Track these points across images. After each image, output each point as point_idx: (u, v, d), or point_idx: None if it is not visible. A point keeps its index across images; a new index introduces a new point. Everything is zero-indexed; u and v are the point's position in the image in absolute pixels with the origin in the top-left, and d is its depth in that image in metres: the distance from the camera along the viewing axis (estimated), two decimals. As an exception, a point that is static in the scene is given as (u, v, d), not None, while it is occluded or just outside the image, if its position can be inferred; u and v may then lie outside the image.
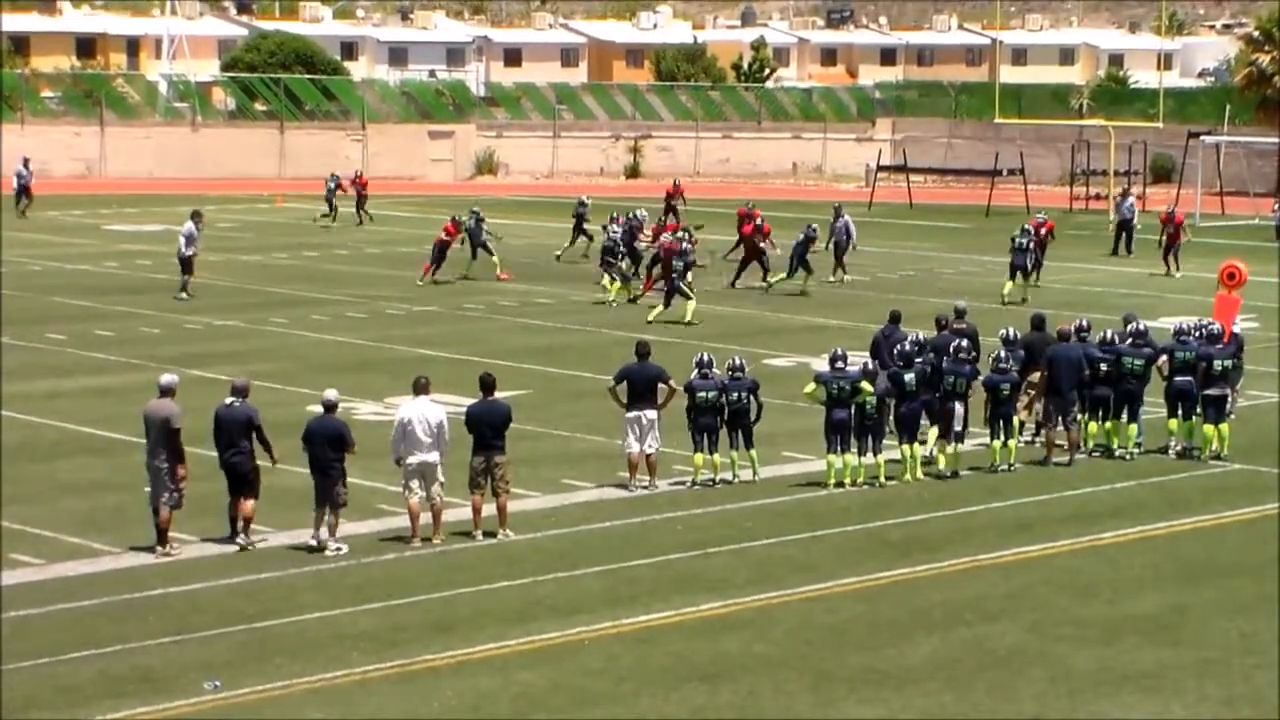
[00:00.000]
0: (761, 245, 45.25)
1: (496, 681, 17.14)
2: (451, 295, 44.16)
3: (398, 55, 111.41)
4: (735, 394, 24.82)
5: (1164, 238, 48.72)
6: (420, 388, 22.47)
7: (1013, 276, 43.53)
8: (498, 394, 22.98)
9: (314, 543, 21.77)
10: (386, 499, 23.32)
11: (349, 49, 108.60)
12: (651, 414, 24.62)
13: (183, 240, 43.10)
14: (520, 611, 19.26)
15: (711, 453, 24.87)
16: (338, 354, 35.51)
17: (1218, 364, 26.60)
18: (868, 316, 40.22)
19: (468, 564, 21.16)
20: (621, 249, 43.71)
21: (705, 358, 25.10)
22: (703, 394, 24.71)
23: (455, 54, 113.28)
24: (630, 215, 45.56)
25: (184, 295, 42.44)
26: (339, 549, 21.63)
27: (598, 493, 24.65)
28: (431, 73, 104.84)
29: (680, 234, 42.41)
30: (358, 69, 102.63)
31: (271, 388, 30.00)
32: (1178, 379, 26.92)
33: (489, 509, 22.27)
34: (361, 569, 20.96)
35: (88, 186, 75.24)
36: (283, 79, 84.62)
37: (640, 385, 24.75)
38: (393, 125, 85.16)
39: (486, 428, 22.30)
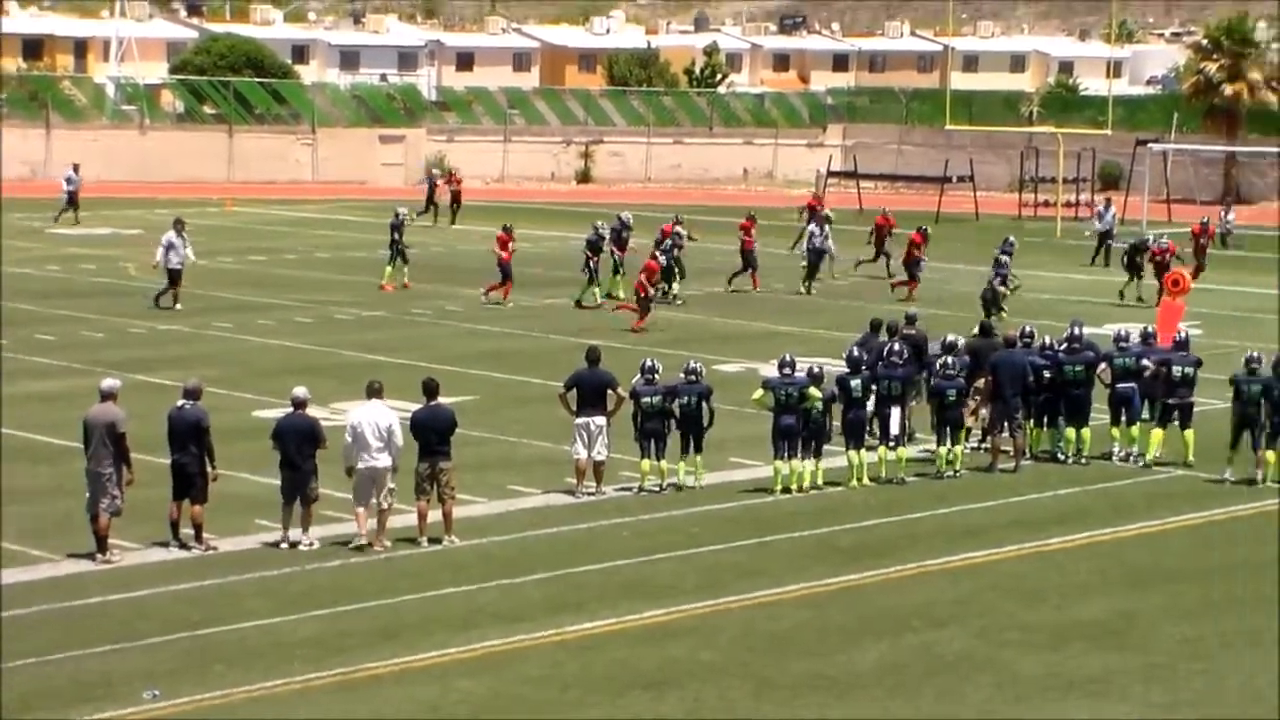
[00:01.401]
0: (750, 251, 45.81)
1: (438, 690, 17.03)
2: (400, 300, 44.00)
3: (349, 59, 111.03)
4: (686, 398, 24.76)
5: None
6: (373, 391, 22.42)
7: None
8: (443, 399, 22.89)
9: (284, 541, 21.73)
10: (333, 505, 23.16)
11: (300, 52, 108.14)
12: (600, 420, 24.53)
13: (161, 249, 42.34)
14: (464, 619, 19.17)
15: (659, 458, 24.80)
16: (284, 359, 35.33)
17: (1177, 370, 26.63)
18: (817, 323, 40.27)
19: (413, 570, 21.05)
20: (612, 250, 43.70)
21: (649, 363, 25.02)
22: (647, 399, 24.64)
23: (407, 58, 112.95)
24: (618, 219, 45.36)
25: (174, 306, 41.55)
26: (311, 545, 21.70)
27: (544, 499, 24.56)
28: (383, 76, 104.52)
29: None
30: (308, 72, 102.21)
31: (217, 393, 29.76)
32: (1119, 385, 26.98)
33: (435, 515, 22.16)
34: (306, 575, 20.82)
35: (32, 189, 74.71)
36: (232, 82, 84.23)
37: (590, 392, 24.67)
38: (343, 129, 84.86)
39: (431, 433, 22.21)
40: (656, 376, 24.83)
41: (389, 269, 46.26)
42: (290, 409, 22.28)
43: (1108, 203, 56.74)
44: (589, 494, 24.55)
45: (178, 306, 41.57)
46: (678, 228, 45.31)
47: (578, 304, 42.79)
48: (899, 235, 47.87)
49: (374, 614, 19.33)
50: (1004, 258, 42.00)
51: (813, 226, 47.03)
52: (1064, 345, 27.18)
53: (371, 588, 20.25)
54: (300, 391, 22.39)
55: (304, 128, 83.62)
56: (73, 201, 61.95)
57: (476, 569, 21.06)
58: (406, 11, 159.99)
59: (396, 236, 46.36)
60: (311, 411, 22.67)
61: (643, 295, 39.63)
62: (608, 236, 43.92)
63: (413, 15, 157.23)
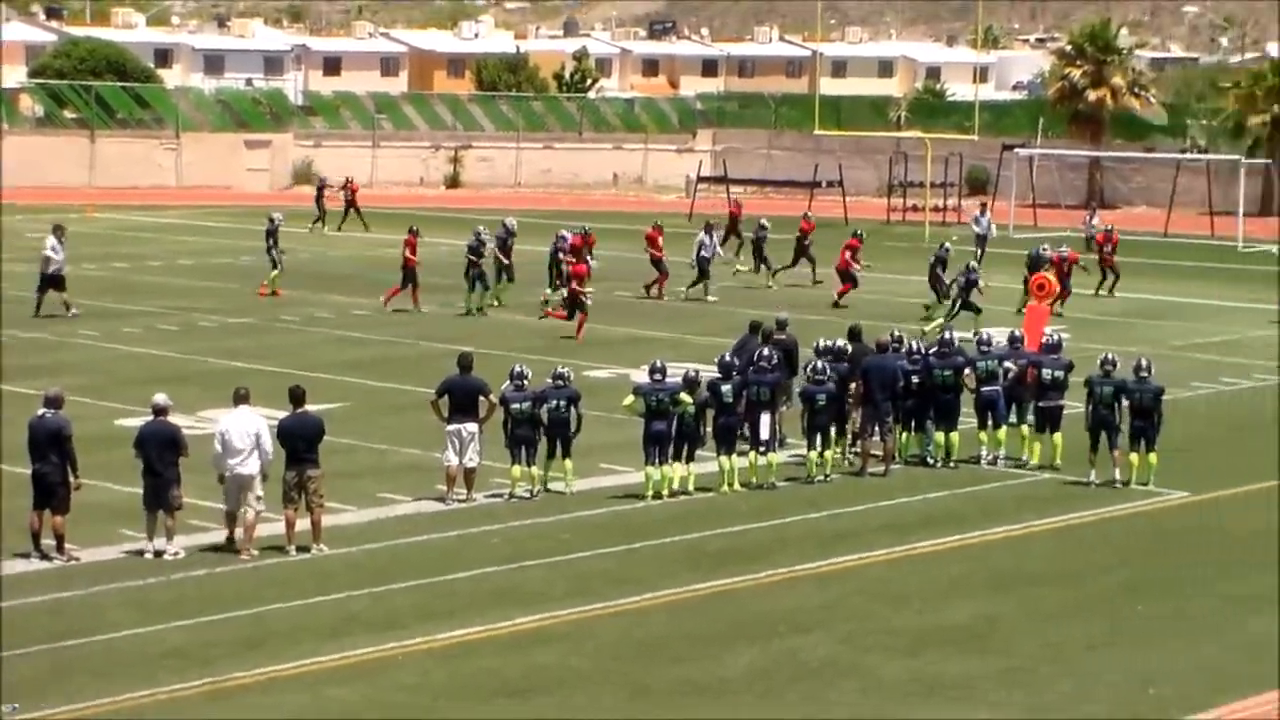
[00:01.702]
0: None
1: (308, 698, 16.94)
2: (268, 307, 43.68)
3: (213, 63, 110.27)
4: (554, 402, 24.75)
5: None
6: (240, 398, 22.37)
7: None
8: (311, 406, 22.76)
9: (149, 551, 21.53)
10: (199, 514, 22.96)
11: (163, 56, 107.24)
12: (472, 427, 24.47)
13: (47, 255, 41.74)
14: (334, 627, 19.06)
15: (529, 464, 24.78)
16: (149, 367, 34.96)
17: (1047, 373, 26.91)
18: (687, 328, 40.37)
19: (281, 579, 20.90)
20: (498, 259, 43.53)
21: (518, 369, 24.99)
22: (517, 405, 24.61)
23: (273, 62, 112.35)
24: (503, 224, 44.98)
25: (73, 311, 40.95)
26: (176, 554, 21.53)
27: (414, 506, 24.46)
28: (248, 81, 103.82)
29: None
30: (172, 77, 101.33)
31: (81, 402, 29.44)
32: (983, 389, 27.27)
33: (303, 523, 22.02)
34: (173, 585, 20.62)
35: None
36: (94, 86, 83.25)
37: (461, 398, 24.61)
38: (208, 134, 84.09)
39: (298, 441, 22.08)
40: (526, 383, 24.81)
41: (274, 274, 46.01)
42: (151, 416, 22.10)
43: (984, 207, 57.24)
44: (459, 501, 24.47)
45: (73, 312, 40.93)
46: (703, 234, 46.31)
47: (468, 311, 42.44)
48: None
49: (241, 623, 19.18)
50: (972, 263, 42.52)
51: (703, 236, 46.99)
52: (933, 350, 27.40)
53: (238, 597, 20.09)
54: (160, 399, 22.22)
55: (168, 133, 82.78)
56: None
57: (346, 577, 20.94)
58: (272, 16, 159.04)
59: (271, 242, 46.03)
60: (177, 420, 22.49)
61: (578, 300, 39.45)
62: (489, 243, 43.59)
63: (278, 20, 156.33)
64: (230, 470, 21.80)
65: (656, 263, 46.33)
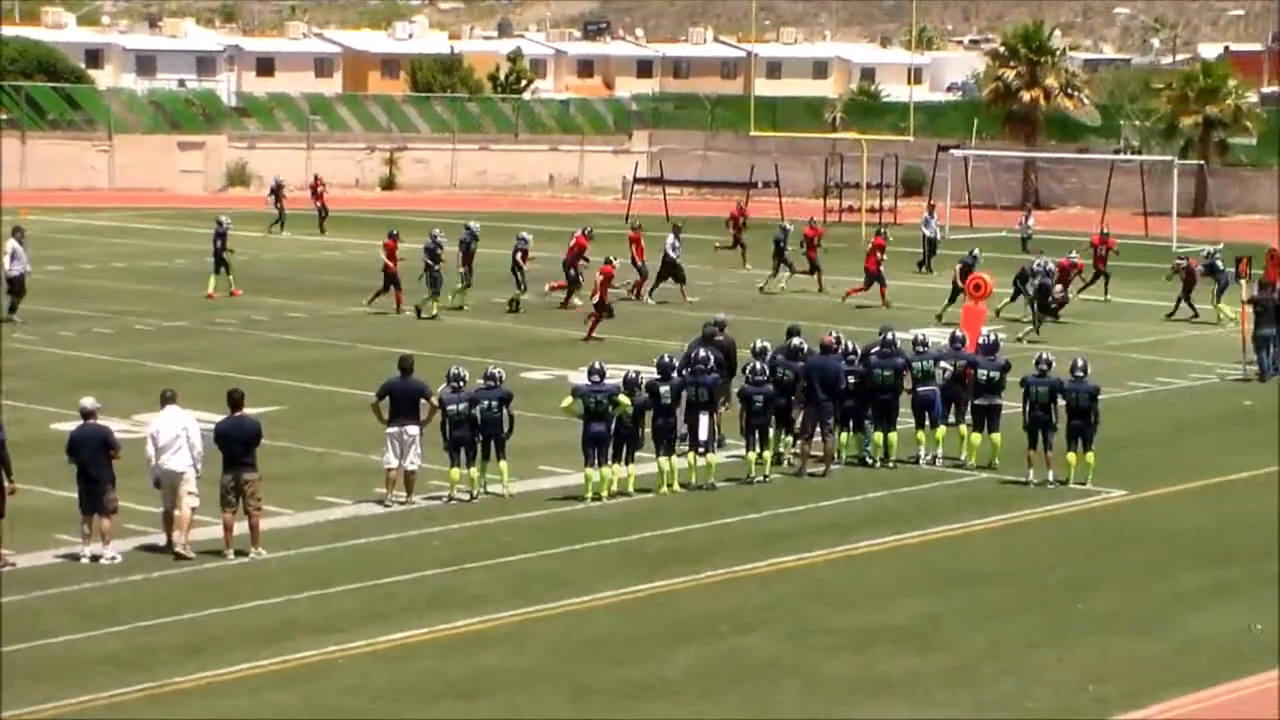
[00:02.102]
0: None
1: (248, 702, 16.85)
2: (204, 310, 43.44)
3: (145, 64, 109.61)
4: (486, 403, 24.68)
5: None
6: (166, 399, 22.36)
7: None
8: (249, 410, 22.62)
9: (85, 555, 21.37)
10: (135, 517, 22.81)
11: (94, 57, 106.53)
12: (413, 430, 24.38)
13: (7, 259, 41.33)
14: (273, 631, 18.95)
15: (468, 467, 24.71)
16: (85, 371, 34.71)
17: (983, 373, 26.98)
18: (624, 330, 40.32)
19: (219, 583, 20.77)
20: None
21: (455, 371, 24.92)
22: (454, 407, 24.54)
23: (205, 63, 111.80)
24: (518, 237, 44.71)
25: (16, 318, 40.55)
26: (114, 558, 21.41)
27: (353, 509, 24.35)
28: (181, 82, 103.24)
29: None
30: (104, 77, 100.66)
31: (15, 406, 29.28)
32: (920, 389, 27.34)
33: (241, 527, 21.88)
34: (110, 590, 20.48)
35: None
36: (24, 87, 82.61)
37: (402, 401, 24.52)
38: (141, 135, 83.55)
39: (235, 444, 21.96)
40: (463, 385, 24.74)
41: (214, 278, 45.67)
42: (81, 420, 21.94)
43: (932, 210, 57.35)
44: (399, 504, 24.38)
45: (15, 318, 40.55)
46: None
47: (426, 315, 42.13)
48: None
49: (180, 628, 19.06)
50: (1043, 263, 42.10)
51: (671, 238, 46.73)
52: (873, 351, 27.42)
53: (177, 602, 19.96)
54: (88, 401, 22.14)
55: (100, 134, 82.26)
56: None
57: (285, 581, 20.83)
58: (204, 16, 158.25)
59: (220, 244, 45.79)
60: (113, 424, 22.38)
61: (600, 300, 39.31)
62: (444, 245, 43.24)
63: (210, 20, 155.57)
64: (161, 467, 21.78)
65: (636, 265, 46.21)
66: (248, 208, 67.90)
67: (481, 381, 24.96)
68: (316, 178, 66.60)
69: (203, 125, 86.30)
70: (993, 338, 28.32)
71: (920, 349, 27.72)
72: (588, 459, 24.92)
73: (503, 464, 24.89)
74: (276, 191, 63.36)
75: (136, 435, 25.76)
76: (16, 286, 41.16)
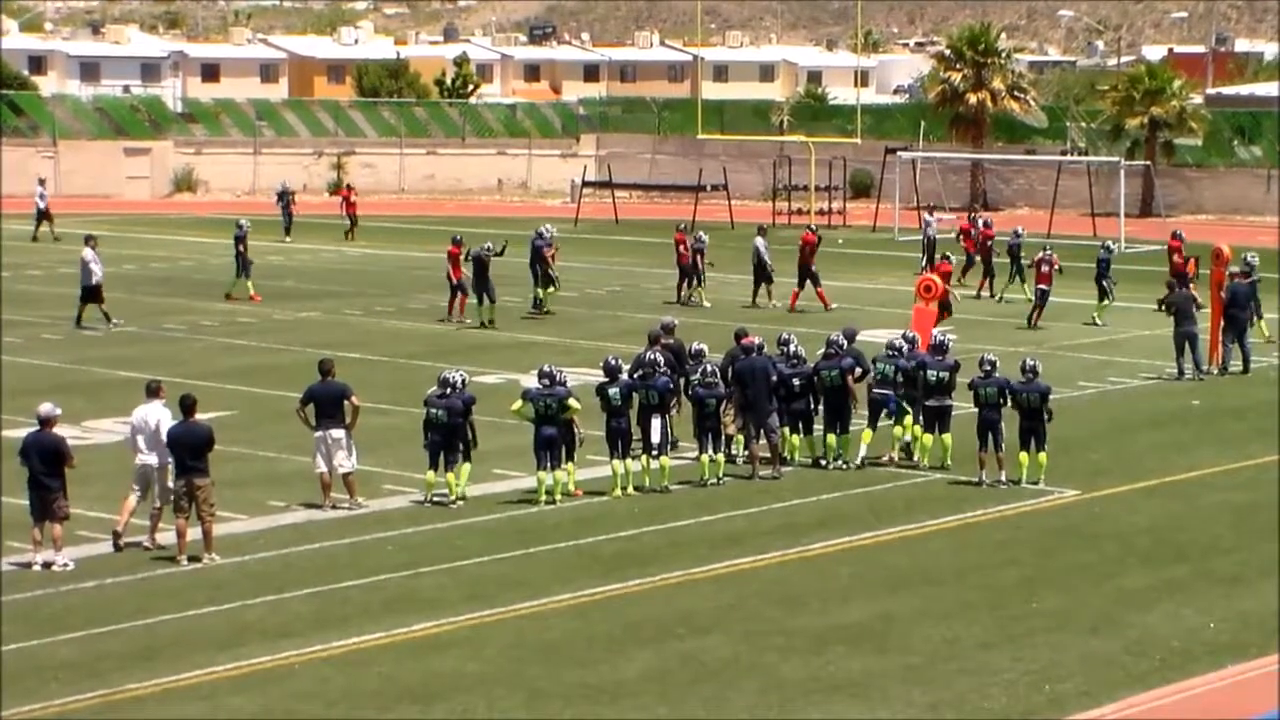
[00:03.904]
0: (700, 264, 45.46)
1: (204, 709, 16.78)
2: (153, 315, 43.24)
3: (89, 70, 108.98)
4: (435, 410, 24.70)
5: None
6: (151, 392, 22.68)
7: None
8: (199, 415, 22.53)
9: (37, 563, 21.26)
10: (88, 524, 22.71)
11: (37, 63, 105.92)
12: (337, 433, 24.28)
13: (93, 269, 41.44)
14: (228, 636, 18.89)
15: (448, 471, 24.65)
16: (33, 377, 34.49)
17: (932, 374, 27.03)
18: (576, 333, 40.33)
19: (172, 589, 20.68)
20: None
21: (445, 376, 24.87)
22: (434, 411, 24.53)
23: (150, 69, 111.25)
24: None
25: (118, 321, 41.09)
26: (66, 565, 21.34)
27: (306, 514, 24.28)
28: (126, 88, 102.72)
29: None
30: (47, 84, 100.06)
31: (-37, 412, 29.15)
32: (875, 391, 27.39)
33: (194, 533, 21.80)
34: (62, 597, 20.36)
35: None
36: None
37: (325, 404, 24.47)
38: (86, 141, 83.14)
39: (187, 450, 21.88)
40: (451, 390, 24.64)
41: (235, 282, 45.92)
42: (37, 427, 21.84)
43: (931, 211, 57.01)
44: (344, 508, 24.27)
45: (118, 321, 40.97)
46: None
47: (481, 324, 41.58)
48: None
49: (133, 635, 18.97)
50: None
51: (760, 240, 45.92)
52: (822, 353, 27.46)
53: (129, 608, 19.87)
54: (45, 408, 21.99)
55: (44, 140, 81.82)
56: (44, 214, 61.31)
57: (239, 586, 20.76)
58: (148, 22, 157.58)
59: (240, 248, 45.94)
60: (63, 430, 22.23)
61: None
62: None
63: (154, 26, 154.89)
64: (137, 460, 22.30)
65: (683, 266, 45.99)
66: (195, 213, 67.62)
67: (436, 388, 24.94)
68: (348, 187, 66.48)
69: (148, 131, 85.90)
70: (941, 339, 28.37)
71: (892, 351, 27.54)
72: (540, 463, 24.90)
73: (461, 470, 24.83)
74: (284, 197, 63.09)
75: (85, 441, 25.72)
76: (96, 295, 41.33)
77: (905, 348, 27.67)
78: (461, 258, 42.27)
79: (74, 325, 41.03)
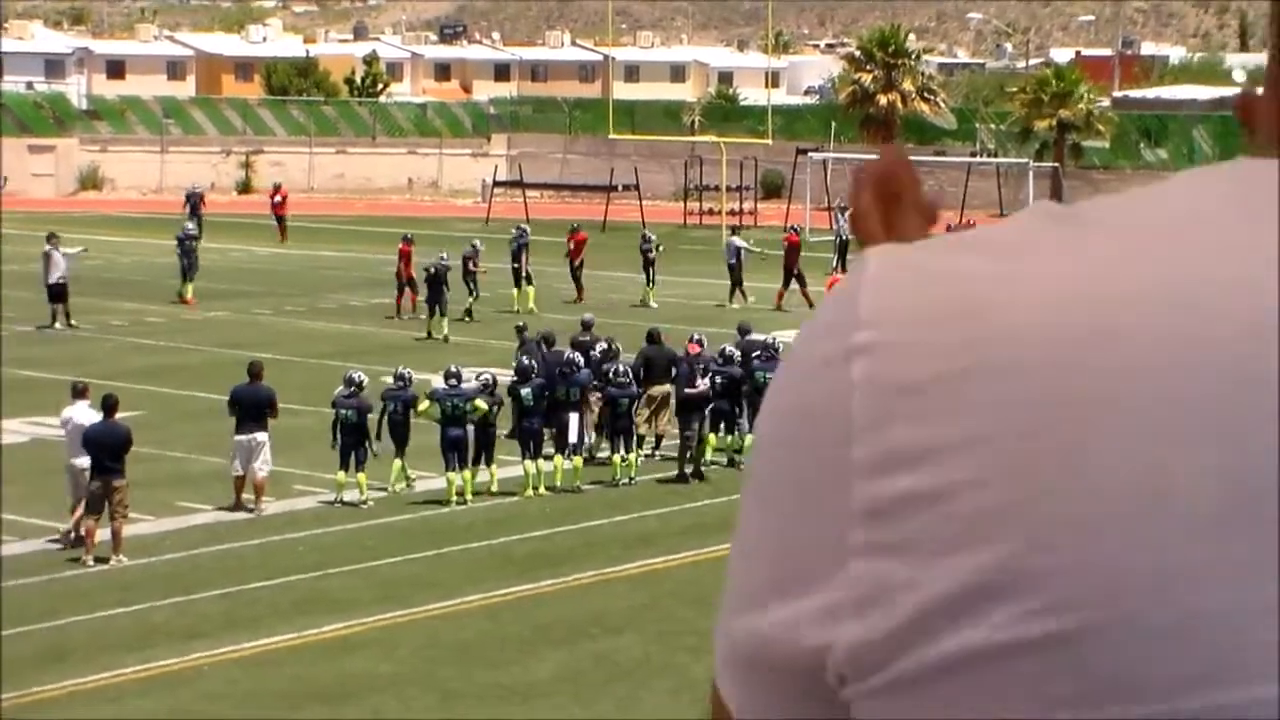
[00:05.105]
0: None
1: (112, 710, 16.62)
2: (60, 314, 42.76)
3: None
4: (393, 405, 24.75)
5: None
6: (77, 393, 22.90)
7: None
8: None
9: None
10: (-8, 526, 22.50)
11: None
12: (261, 436, 24.18)
13: (59, 266, 41.09)
14: (136, 638, 18.72)
15: (358, 471, 24.54)
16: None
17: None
18: (487, 334, 40.21)
19: (80, 591, 20.48)
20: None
21: (349, 375, 24.82)
22: (344, 412, 24.45)
23: (54, 65, 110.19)
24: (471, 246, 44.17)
25: (72, 324, 40.79)
26: None
27: (215, 515, 24.11)
28: (29, 84, 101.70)
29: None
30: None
31: None
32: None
33: (103, 534, 21.60)
34: (-34, 599, 20.12)
35: None
36: None
37: (249, 407, 24.32)
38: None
39: (105, 450, 21.70)
40: (357, 389, 24.60)
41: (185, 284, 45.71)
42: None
43: (843, 210, 57.39)
44: (252, 510, 24.14)
45: (72, 323, 40.63)
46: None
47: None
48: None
49: (41, 636, 18.77)
50: None
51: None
52: (756, 354, 27.31)
53: (35, 610, 19.65)
54: None
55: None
56: None
57: (147, 588, 20.59)
58: (52, 18, 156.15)
59: (183, 251, 45.82)
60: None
61: None
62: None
63: (59, 22, 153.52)
64: (73, 460, 22.35)
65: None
66: (101, 211, 67.04)
67: (391, 381, 24.91)
68: (277, 186, 65.80)
69: (53, 128, 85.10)
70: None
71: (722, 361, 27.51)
72: (448, 463, 24.83)
73: (361, 475, 24.71)
74: (192, 198, 62.28)
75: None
76: (60, 294, 40.97)
77: (736, 355, 27.60)
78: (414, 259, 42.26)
79: (64, 326, 40.84)
